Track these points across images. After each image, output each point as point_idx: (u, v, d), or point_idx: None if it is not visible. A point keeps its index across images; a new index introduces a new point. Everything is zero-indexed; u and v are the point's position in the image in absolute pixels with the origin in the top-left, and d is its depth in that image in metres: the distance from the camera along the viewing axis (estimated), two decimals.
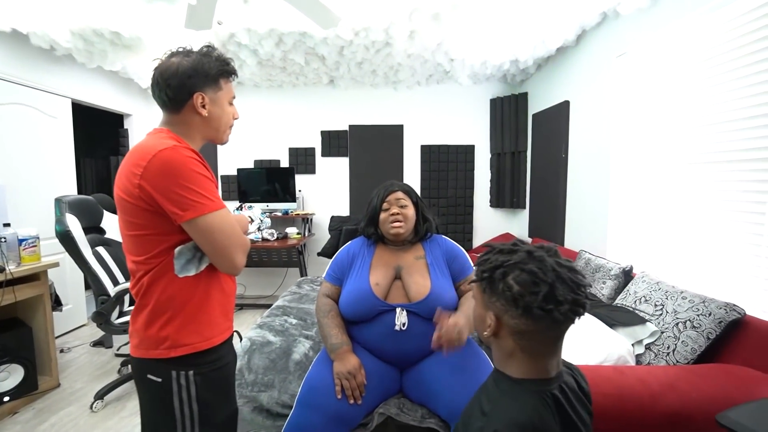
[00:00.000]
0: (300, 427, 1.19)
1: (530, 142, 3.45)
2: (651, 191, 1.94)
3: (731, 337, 1.28)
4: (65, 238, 1.85)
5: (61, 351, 2.62)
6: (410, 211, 1.42)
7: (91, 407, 1.96)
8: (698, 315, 1.32)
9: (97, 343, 2.73)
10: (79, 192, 3.23)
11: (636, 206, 2.06)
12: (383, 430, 1.41)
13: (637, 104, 2.03)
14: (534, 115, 3.32)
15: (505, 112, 3.57)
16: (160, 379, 0.84)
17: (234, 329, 1.01)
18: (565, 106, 2.73)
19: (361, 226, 1.53)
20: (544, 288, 0.63)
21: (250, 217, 4.09)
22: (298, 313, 2.12)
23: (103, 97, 3.24)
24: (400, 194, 1.43)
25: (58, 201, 1.92)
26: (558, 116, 2.83)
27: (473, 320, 0.77)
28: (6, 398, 1.93)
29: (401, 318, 1.31)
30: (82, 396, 2.10)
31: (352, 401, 1.23)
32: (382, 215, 1.44)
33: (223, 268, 0.87)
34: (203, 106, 0.88)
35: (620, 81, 2.15)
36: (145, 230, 0.81)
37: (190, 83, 0.86)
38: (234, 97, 0.98)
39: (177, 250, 0.83)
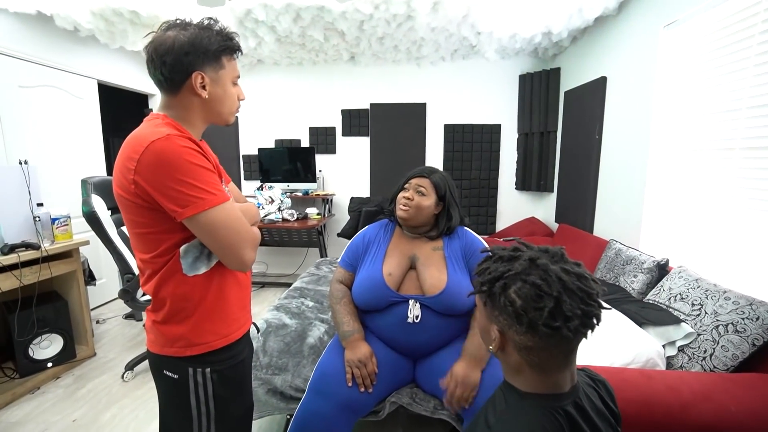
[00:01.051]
0: (311, 413, 1.20)
1: (561, 122, 3.23)
2: (695, 179, 1.77)
3: None
4: (91, 218, 1.91)
5: (97, 322, 2.79)
6: (426, 201, 1.33)
7: (122, 377, 2.08)
8: (743, 318, 1.20)
9: (128, 316, 2.88)
10: (109, 172, 3.34)
11: (676, 195, 1.89)
12: (394, 418, 1.41)
13: (686, 81, 1.82)
14: (566, 93, 3.09)
15: (534, 89, 3.34)
16: (176, 376, 0.82)
17: (252, 321, 0.98)
18: (601, 82, 2.51)
19: (389, 199, 1.48)
20: (549, 302, 0.56)
21: (270, 197, 4.09)
22: (315, 296, 2.13)
23: (128, 77, 3.28)
24: (424, 181, 1.34)
25: (84, 182, 1.98)
26: (593, 94, 2.61)
27: (479, 331, 0.72)
28: (49, 364, 2.09)
29: (414, 311, 1.28)
30: (114, 366, 2.23)
31: (362, 389, 1.23)
32: (400, 194, 1.38)
33: (231, 266, 0.81)
34: (203, 87, 0.79)
35: (667, 55, 1.94)
36: (146, 228, 0.77)
37: (187, 61, 0.76)
38: (238, 77, 0.88)
39: (182, 249, 0.78)
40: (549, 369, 0.61)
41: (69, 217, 2.15)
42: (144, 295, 2.03)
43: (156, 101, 3.67)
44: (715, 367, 1.21)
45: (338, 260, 1.51)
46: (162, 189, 0.70)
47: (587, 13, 2.33)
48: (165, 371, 0.83)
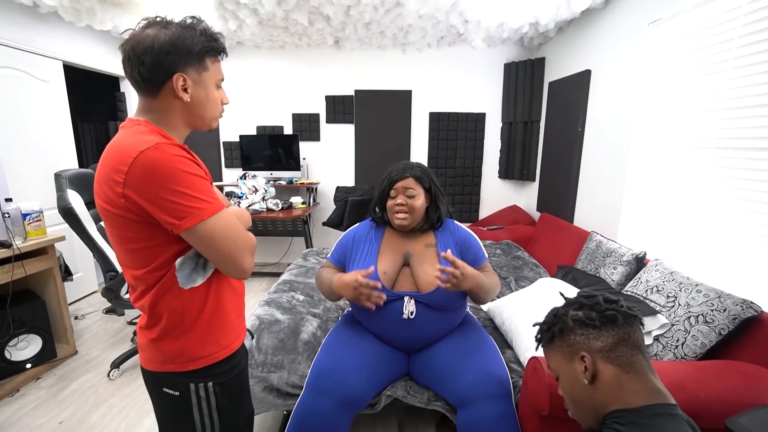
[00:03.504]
0: (310, 411, 1.23)
1: (544, 112, 3.28)
2: (672, 175, 1.86)
3: (742, 333, 1.27)
4: (68, 215, 1.82)
5: (76, 318, 2.70)
6: (418, 201, 1.35)
7: (108, 375, 2.04)
8: (712, 310, 1.30)
9: (109, 311, 2.79)
10: (80, 158, 3.16)
11: (654, 189, 1.99)
12: (390, 410, 1.46)
13: (667, 79, 1.89)
14: (551, 84, 3.13)
15: (519, 78, 3.36)
16: (177, 393, 0.80)
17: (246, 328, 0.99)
18: (585, 75, 2.56)
19: (372, 206, 1.49)
20: (597, 297, 0.72)
21: (254, 186, 3.99)
22: (304, 289, 2.14)
23: (96, 58, 3.07)
24: (410, 182, 1.35)
25: (58, 176, 1.87)
26: (577, 86, 2.66)
27: (570, 407, 0.78)
28: (28, 365, 2.01)
29: (409, 307, 1.31)
30: (98, 364, 2.18)
31: (381, 302, 1.22)
32: (389, 202, 1.38)
33: (231, 274, 0.80)
34: (185, 90, 0.76)
35: (651, 51, 1.98)
36: (138, 243, 0.74)
37: (168, 61, 0.72)
38: (222, 80, 0.84)
39: (178, 262, 0.76)
40: (638, 367, 0.67)
41: (41, 212, 2.04)
42: (129, 292, 1.98)
43: (128, 84, 3.46)
44: (685, 354, 1.32)
45: (329, 249, 1.52)
46: (156, 201, 0.68)
47: (575, 5, 2.34)
48: (165, 389, 0.81)
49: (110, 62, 3.20)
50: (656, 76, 1.96)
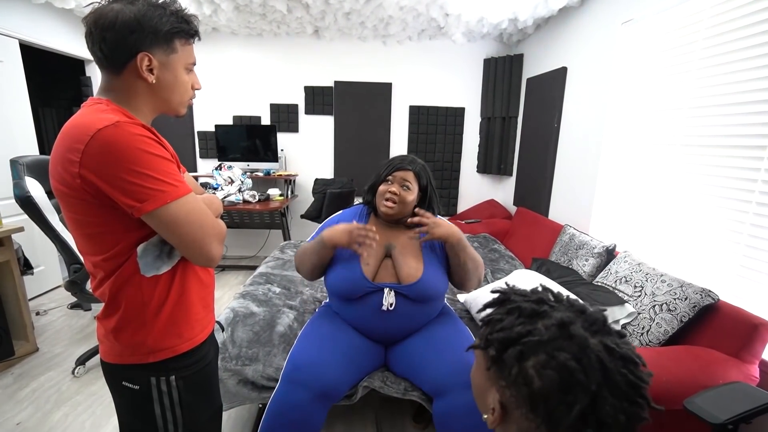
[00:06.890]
0: (286, 404, 1.21)
1: (522, 108, 3.34)
2: (641, 170, 1.93)
3: (702, 319, 1.34)
4: (26, 204, 1.71)
5: (37, 314, 2.56)
6: (411, 196, 1.33)
7: (73, 372, 1.95)
8: (675, 299, 1.37)
9: (74, 306, 2.67)
10: (41, 145, 2.98)
11: (624, 184, 2.06)
12: (367, 401, 1.47)
13: (638, 78, 1.95)
14: (528, 80, 3.18)
15: (498, 73, 3.40)
16: (137, 387, 0.76)
17: (215, 320, 0.95)
18: (561, 72, 2.61)
19: (365, 189, 1.46)
20: (582, 398, 0.41)
21: (230, 177, 3.88)
22: (281, 282, 2.10)
23: (58, 39, 2.88)
24: (409, 175, 1.33)
25: (15, 162, 1.75)
26: (553, 83, 2.72)
27: (473, 388, 0.57)
28: None
29: (389, 299, 1.30)
30: (62, 361, 2.07)
31: (375, 240, 1.22)
32: (382, 187, 1.36)
33: (197, 262, 0.76)
34: (150, 71, 0.71)
35: (623, 50, 2.05)
36: (96, 228, 0.69)
37: (132, 39, 0.68)
38: (194, 64, 0.79)
39: (140, 248, 0.71)
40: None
41: None
42: None
43: (94, 67, 3.28)
44: (650, 341, 1.38)
45: (307, 240, 1.48)
46: (115, 182, 0.63)
47: (552, 2, 2.38)
48: (124, 382, 0.77)
49: (73, 44, 3.01)
50: (627, 74, 2.03)
